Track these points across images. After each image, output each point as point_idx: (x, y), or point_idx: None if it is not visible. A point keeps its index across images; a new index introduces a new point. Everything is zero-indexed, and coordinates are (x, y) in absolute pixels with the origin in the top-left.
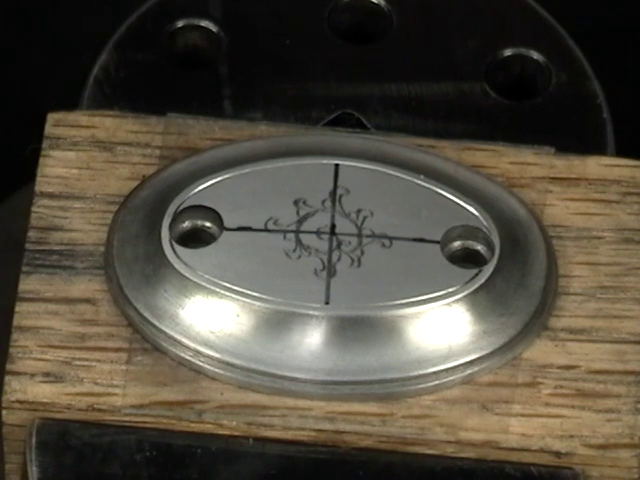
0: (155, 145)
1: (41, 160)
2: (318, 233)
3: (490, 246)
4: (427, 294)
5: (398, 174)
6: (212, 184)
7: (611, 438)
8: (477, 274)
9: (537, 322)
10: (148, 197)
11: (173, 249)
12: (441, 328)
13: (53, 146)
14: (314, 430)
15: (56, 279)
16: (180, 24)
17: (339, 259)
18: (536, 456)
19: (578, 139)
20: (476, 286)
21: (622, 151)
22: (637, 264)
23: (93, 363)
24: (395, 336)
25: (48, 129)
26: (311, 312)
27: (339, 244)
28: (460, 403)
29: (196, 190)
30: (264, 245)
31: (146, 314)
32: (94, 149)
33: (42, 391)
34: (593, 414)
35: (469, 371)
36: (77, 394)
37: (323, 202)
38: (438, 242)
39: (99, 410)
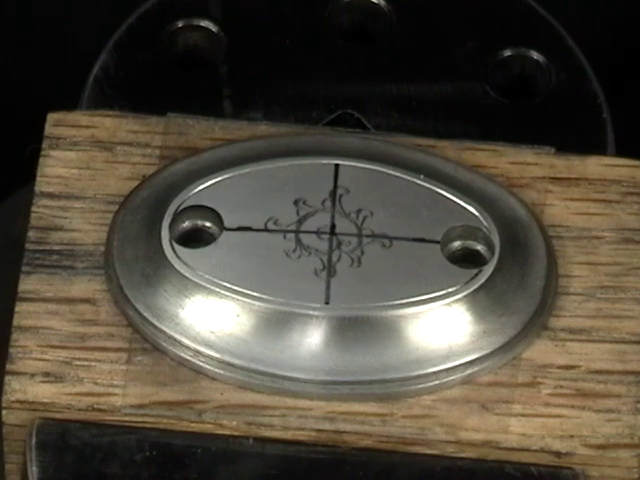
0: (155, 145)
1: (41, 160)
2: (318, 233)
3: (490, 246)
4: (427, 294)
5: (398, 174)
6: (212, 184)
7: (611, 438)
8: (477, 274)
9: (537, 322)
10: (148, 197)
11: (173, 249)
12: (441, 328)
13: (53, 146)
14: (314, 430)
15: (56, 279)
16: (180, 24)
17: (339, 259)
18: (536, 456)
19: (578, 139)
20: (476, 286)
21: (622, 151)
22: (637, 264)
23: (93, 363)
24: (395, 336)
25: (48, 129)
26: (311, 312)
27: (339, 244)
28: (460, 403)
29: (196, 190)
30: (264, 245)
31: (146, 314)
32: (94, 149)
33: (42, 391)
34: (593, 414)
35: (469, 371)
36: (77, 394)
37: (323, 202)
38: (438, 242)
39: (99, 410)
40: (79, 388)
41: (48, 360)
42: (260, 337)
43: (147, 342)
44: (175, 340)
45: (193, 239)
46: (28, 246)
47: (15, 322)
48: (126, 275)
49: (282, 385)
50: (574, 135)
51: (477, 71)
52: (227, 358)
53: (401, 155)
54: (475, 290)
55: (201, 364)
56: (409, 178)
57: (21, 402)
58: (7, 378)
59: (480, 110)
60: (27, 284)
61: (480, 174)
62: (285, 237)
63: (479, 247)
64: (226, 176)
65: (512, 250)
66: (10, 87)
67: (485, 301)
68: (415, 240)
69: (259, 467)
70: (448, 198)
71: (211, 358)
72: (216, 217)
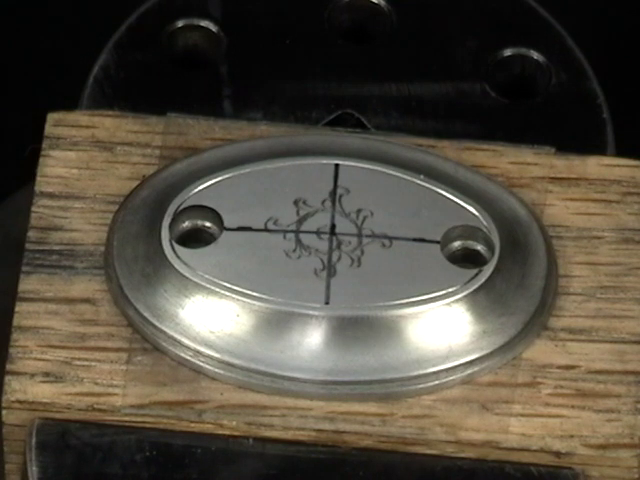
0: (155, 145)
1: (41, 160)
2: (318, 233)
3: (490, 246)
4: (427, 294)
5: (398, 174)
6: (212, 184)
7: (611, 438)
8: (477, 274)
9: (537, 322)
10: (148, 197)
11: (173, 249)
12: (441, 328)
13: (53, 146)
14: (314, 430)
15: (56, 279)
16: (180, 24)
17: (339, 259)
18: (536, 456)
19: (578, 139)
20: (476, 286)
21: (622, 151)
22: (637, 264)
23: (93, 363)
24: (395, 336)
25: (48, 129)
26: (311, 312)
27: (339, 244)
28: (460, 403)
29: (196, 190)
30: (264, 245)
31: (146, 314)
32: (94, 149)
33: (42, 391)
34: (593, 414)
35: (469, 371)
36: (77, 394)
37: (323, 202)
38: (438, 242)
39: (99, 410)
40: (79, 388)
41: (48, 360)
42: (260, 337)
43: (147, 342)
44: (175, 340)
45: (193, 239)
46: (28, 246)
47: (15, 322)
48: (126, 275)
49: (282, 385)
50: (574, 135)
51: (477, 71)
52: (227, 358)
53: (401, 155)
54: (475, 290)
55: (201, 364)
56: (409, 178)
57: (21, 402)
58: (7, 378)
59: (480, 110)
60: (27, 284)
61: (480, 174)
62: (285, 237)
63: (479, 247)
64: (226, 176)
65: (512, 250)
66: (10, 87)
67: (485, 301)
68: (415, 240)
69: (259, 467)
70: (448, 198)
71: (211, 358)
72: (216, 217)
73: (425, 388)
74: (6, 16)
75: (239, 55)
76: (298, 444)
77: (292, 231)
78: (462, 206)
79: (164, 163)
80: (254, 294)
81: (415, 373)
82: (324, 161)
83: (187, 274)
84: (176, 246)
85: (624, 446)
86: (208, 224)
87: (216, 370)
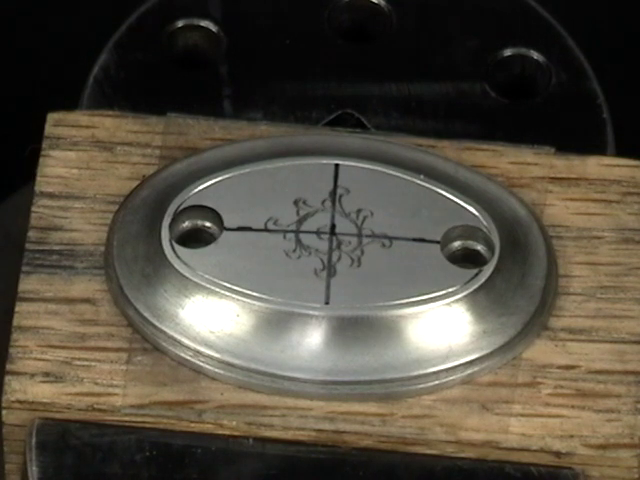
0: (155, 145)
1: (41, 160)
2: (318, 233)
3: (490, 246)
4: (427, 294)
5: (398, 174)
6: (212, 184)
7: (611, 438)
8: (477, 274)
9: (537, 322)
10: (148, 197)
11: (173, 249)
12: (441, 328)
13: (53, 146)
14: (314, 430)
15: (56, 279)
16: (180, 24)
17: (339, 259)
18: (536, 456)
19: (578, 139)
20: (476, 286)
21: (622, 151)
22: (637, 264)
23: (93, 363)
24: (395, 336)
25: (48, 129)
26: (311, 312)
27: (339, 244)
28: (460, 403)
29: (196, 190)
30: (264, 245)
31: (146, 314)
32: (94, 149)
33: (42, 391)
34: (593, 414)
35: (469, 371)
36: (77, 394)
37: (323, 202)
38: (438, 242)
39: (99, 410)
40: (79, 388)
41: (48, 360)
42: (260, 337)
43: (147, 342)
44: (175, 340)
45: (193, 239)
46: (28, 246)
47: (15, 322)
48: (126, 275)
49: (282, 385)
50: (574, 135)
51: (477, 71)
52: (227, 358)
53: (401, 155)
54: (475, 290)
55: (201, 364)
56: (409, 178)
57: (21, 402)
58: (7, 378)
59: (480, 110)
60: (27, 284)
61: (480, 174)
62: (285, 237)
63: (479, 247)
64: (226, 176)
65: (512, 250)
66: (10, 87)
67: (485, 301)
68: (415, 240)
69: (259, 467)
70: (448, 198)
71: (211, 358)
72: (216, 217)
73: (425, 388)
74: (6, 16)
75: (239, 55)
76: (298, 444)
77: (292, 231)
78: (462, 206)
79: (164, 163)
80: (254, 294)
81: (415, 373)
82: (324, 161)
83: (187, 274)
84: (176, 246)
85: (624, 446)
86: (208, 224)
87: (216, 370)
